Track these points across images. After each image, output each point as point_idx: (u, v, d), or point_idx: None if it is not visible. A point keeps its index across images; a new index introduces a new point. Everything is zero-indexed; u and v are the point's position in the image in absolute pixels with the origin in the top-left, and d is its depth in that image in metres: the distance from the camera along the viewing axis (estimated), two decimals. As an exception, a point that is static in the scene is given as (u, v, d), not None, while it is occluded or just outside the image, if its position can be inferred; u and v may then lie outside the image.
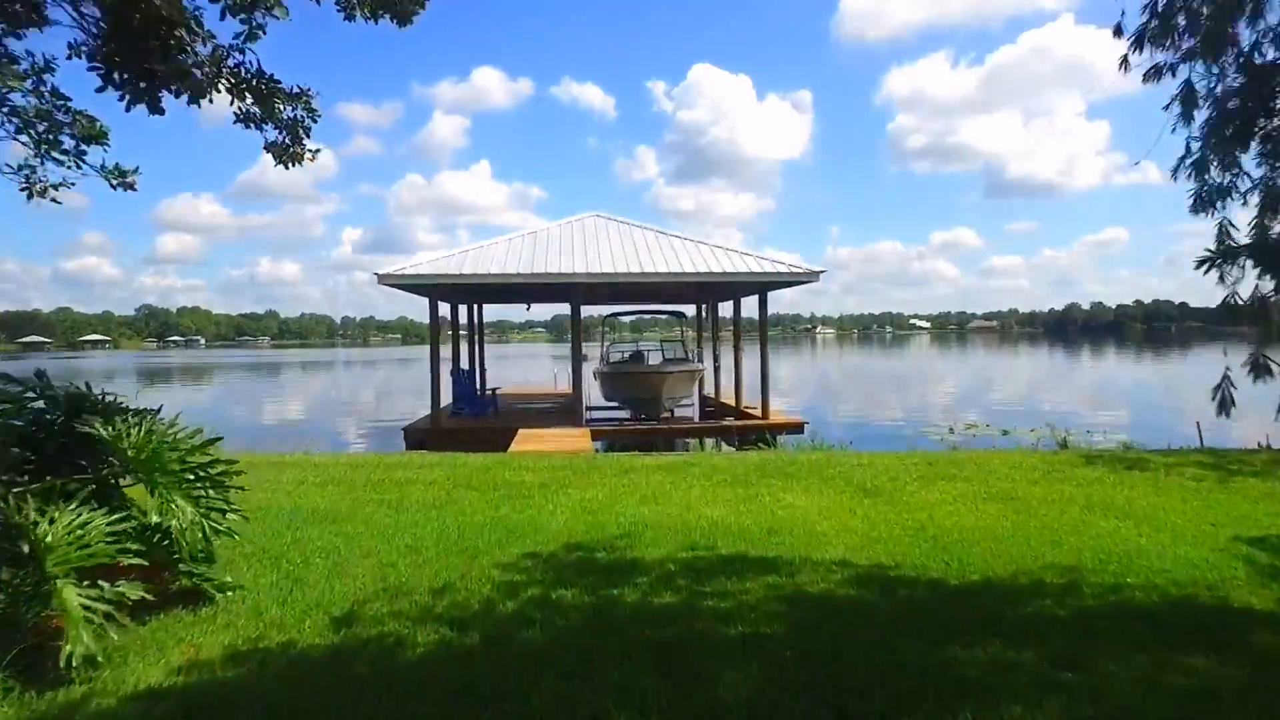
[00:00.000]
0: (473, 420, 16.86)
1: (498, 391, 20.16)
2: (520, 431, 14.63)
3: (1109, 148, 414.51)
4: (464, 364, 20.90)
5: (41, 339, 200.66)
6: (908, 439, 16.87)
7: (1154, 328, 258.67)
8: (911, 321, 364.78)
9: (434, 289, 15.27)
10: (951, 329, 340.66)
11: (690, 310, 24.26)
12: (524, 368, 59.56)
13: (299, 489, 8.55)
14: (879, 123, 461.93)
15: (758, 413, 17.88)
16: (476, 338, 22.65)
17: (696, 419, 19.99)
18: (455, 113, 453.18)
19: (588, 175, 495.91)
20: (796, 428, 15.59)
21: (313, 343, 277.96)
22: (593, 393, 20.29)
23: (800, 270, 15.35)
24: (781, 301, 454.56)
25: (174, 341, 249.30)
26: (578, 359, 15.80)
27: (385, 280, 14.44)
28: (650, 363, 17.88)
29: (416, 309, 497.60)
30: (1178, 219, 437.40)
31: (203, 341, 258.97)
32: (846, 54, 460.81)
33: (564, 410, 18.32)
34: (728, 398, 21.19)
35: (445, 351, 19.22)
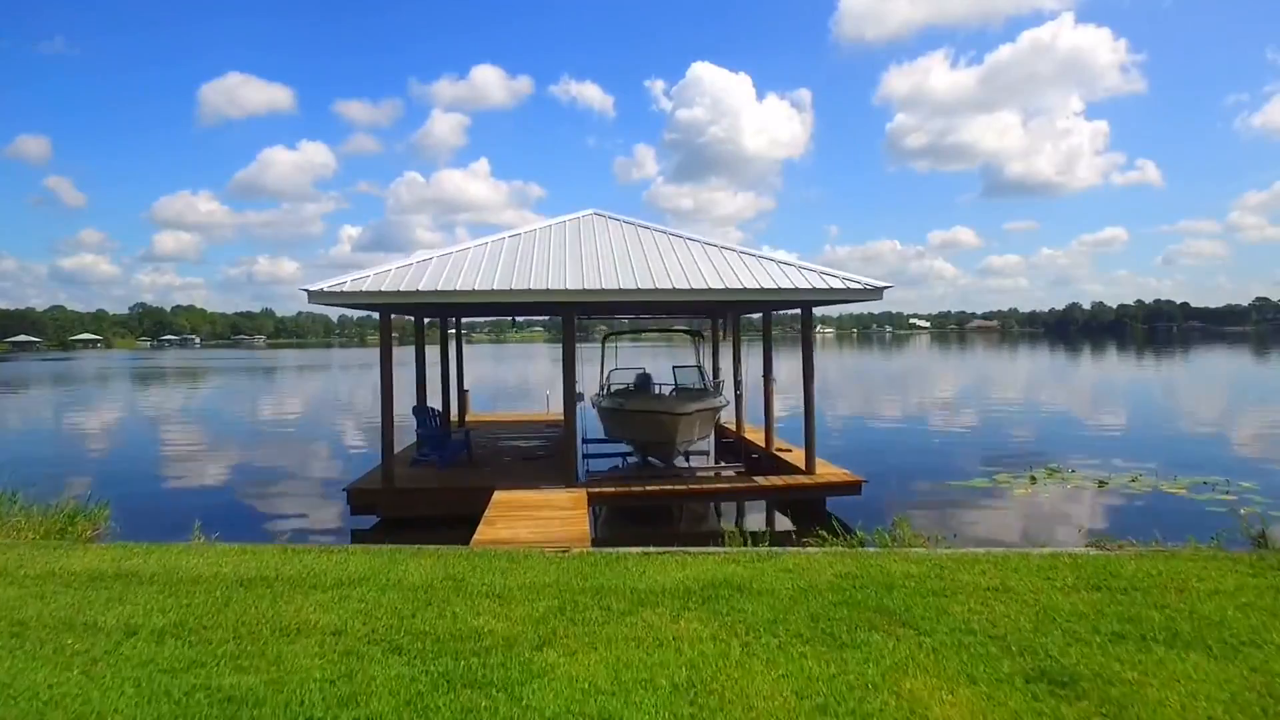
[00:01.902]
0: (440, 470, 13.46)
1: (473, 423, 16.76)
2: (496, 495, 11.25)
3: (1107, 147, 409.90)
4: (450, 377, 17.50)
5: (31, 338, 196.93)
6: (986, 495, 13.51)
7: (1156, 328, 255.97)
8: (911, 321, 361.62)
9: (387, 306, 11.84)
10: (952, 329, 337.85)
11: (701, 321, 20.87)
12: (518, 372, 55.98)
13: (83, 657, 5.12)
14: (878, 122, 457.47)
15: (792, 456, 14.51)
16: (453, 356, 19.20)
17: (713, 459, 16.61)
18: (455, 110, 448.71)
19: (587, 174, 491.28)
20: (851, 488, 12.18)
21: (309, 342, 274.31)
22: (592, 407, 16.98)
23: (857, 285, 11.90)
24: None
25: (168, 341, 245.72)
26: (571, 394, 12.37)
27: (318, 299, 11.04)
28: (661, 394, 14.48)
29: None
30: (1175, 218, 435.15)
31: (198, 341, 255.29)
32: (846, 53, 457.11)
33: (554, 451, 14.94)
34: (753, 433, 17.79)
35: (411, 370, 15.76)
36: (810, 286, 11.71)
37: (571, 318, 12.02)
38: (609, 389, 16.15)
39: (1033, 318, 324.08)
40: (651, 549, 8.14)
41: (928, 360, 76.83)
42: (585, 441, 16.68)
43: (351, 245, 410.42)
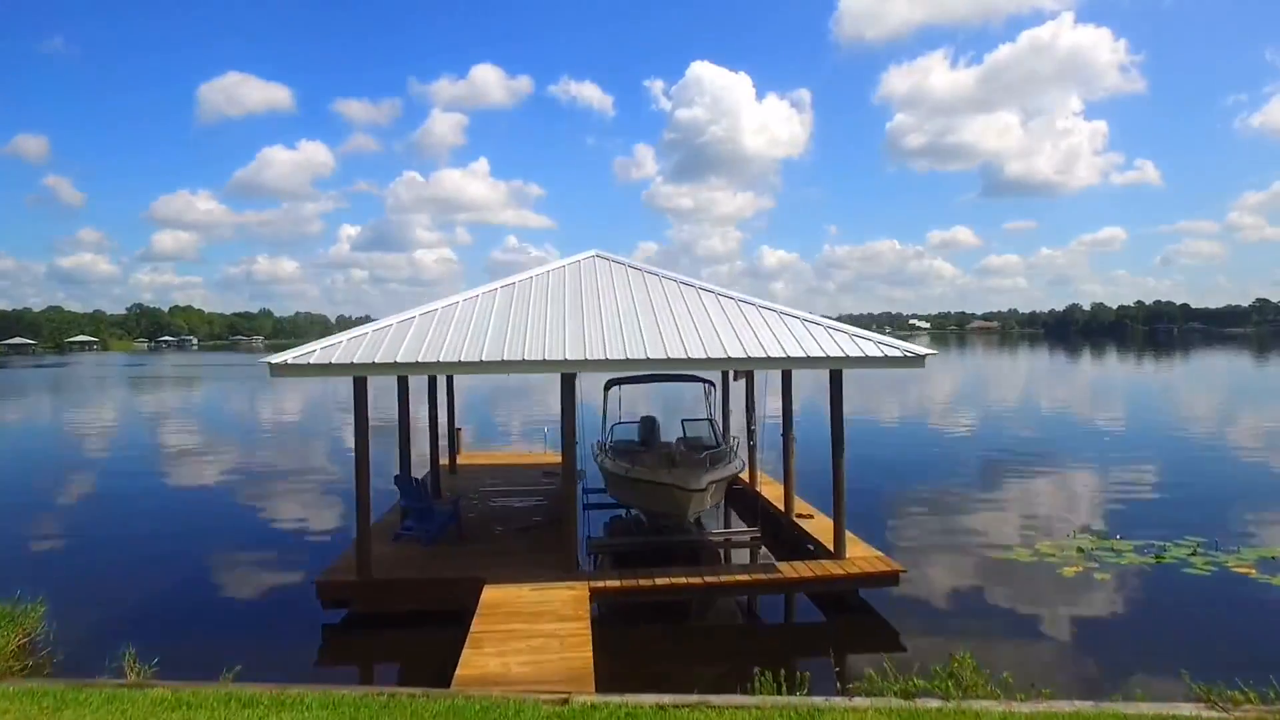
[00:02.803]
0: (424, 548, 12.07)
1: (465, 465, 15.39)
2: (486, 594, 9.87)
3: (1107, 147, 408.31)
4: (440, 422, 16.11)
5: (26, 341, 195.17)
6: (1032, 575, 12.13)
7: (1156, 329, 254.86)
8: (911, 322, 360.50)
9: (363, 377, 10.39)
10: (951, 330, 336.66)
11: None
12: (518, 377, 54.02)
13: None
14: (878, 122, 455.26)
15: (814, 525, 13.14)
16: (442, 398, 17.82)
17: (724, 519, 15.28)
18: (454, 110, 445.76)
19: (586, 173, 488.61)
20: (888, 578, 10.78)
21: (307, 343, 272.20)
22: (593, 457, 15.64)
23: (896, 353, 10.49)
24: (778, 301, 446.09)
25: (165, 342, 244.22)
26: (571, 466, 10.96)
27: (282, 372, 9.65)
28: (670, 450, 13.10)
29: (414, 309, 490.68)
30: (1174, 218, 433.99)
31: (195, 342, 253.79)
32: (845, 53, 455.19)
33: (552, 515, 13.57)
34: (767, 485, 16.42)
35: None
36: (841, 354, 10.32)
37: (572, 382, 10.62)
38: (612, 445, 14.79)
39: (1032, 319, 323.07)
40: (667, 699, 6.80)
41: (935, 363, 75.54)
42: (586, 491, 15.35)
43: (351, 244, 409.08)
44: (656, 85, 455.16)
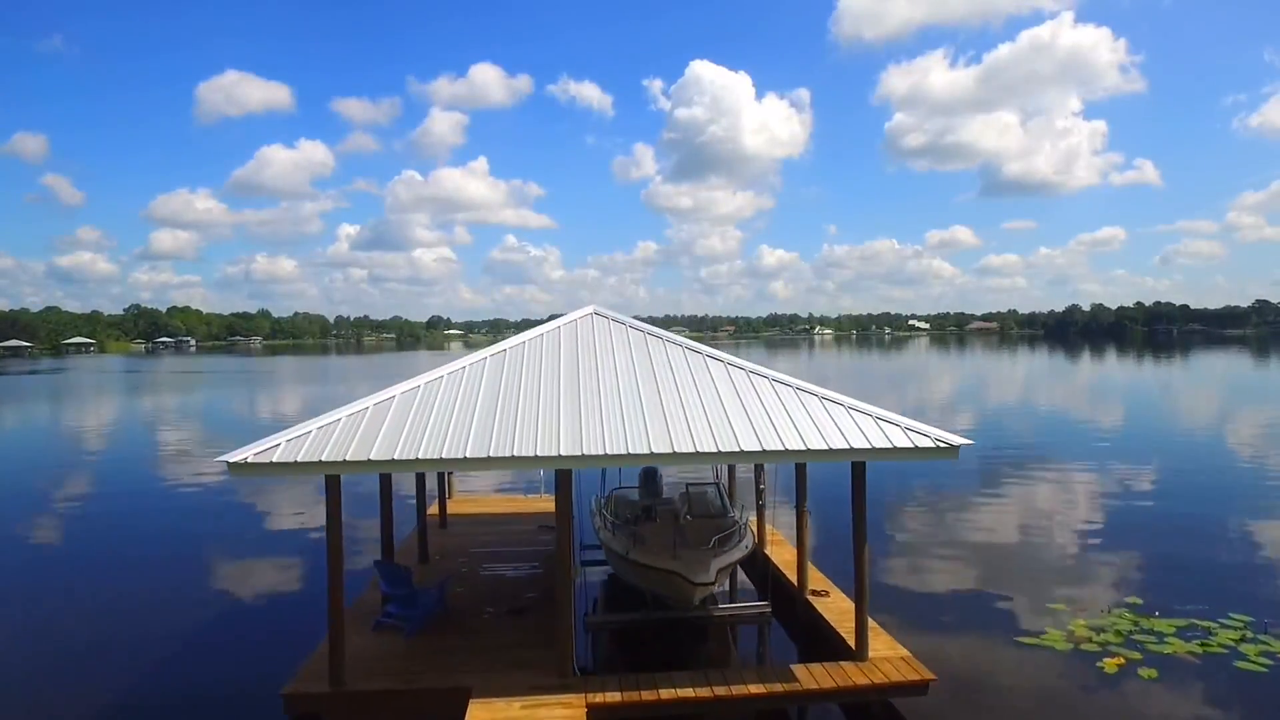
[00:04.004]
0: (406, 640, 11.05)
1: (455, 515, 14.39)
2: (472, 710, 8.87)
3: (1106, 147, 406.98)
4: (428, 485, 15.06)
5: (22, 343, 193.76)
6: (1069, 670, 11.10)
7: (1156, 330, 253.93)
8: (910, 322, 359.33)
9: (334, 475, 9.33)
10: (951, 330, 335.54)
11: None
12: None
13: None
14: (877, 121, 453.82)
15: (829, 607, 12.14)
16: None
17: (730, 592, 14.29)
18: (453, 109, 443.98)
19: (586, 173, 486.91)
20: (917, 688, 9.77)
21: (305, 344, 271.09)
22: (590, 516, 14.71)
23: (929, 442, 9.45)
24: (777, 300, 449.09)
25: (163, 343, 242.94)
26: (567, 572, 9.93)
27: (242, 472, 8.62)
28: (674, 531, 12.09)
29: (413, 309, 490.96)
30: (1173, 218, 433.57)
31: (193, 344, 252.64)
32: (845, 53, 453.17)
33: (548, 594, 12.54)
34: (777, 547, 15.44)
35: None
36: (866, 445, 9.28)
37: (568, 480, 9.60)
38: (610, 508, 13.79)
39: (1032, 319, 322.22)
40: None
41: (938, 364, 74.35)
42: (583, 547, 14.36)
43: (350, 244, 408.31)
44: (656, 85, 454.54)
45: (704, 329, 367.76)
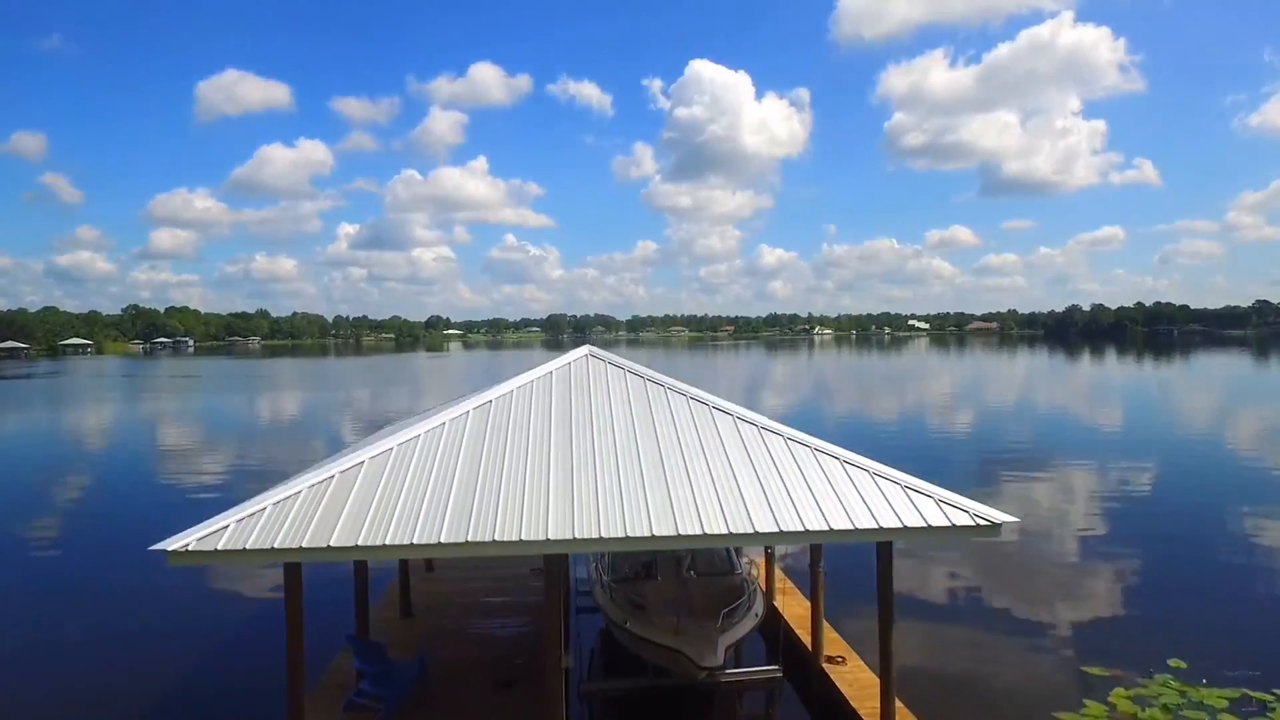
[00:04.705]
0: (384, 718, 9.96)
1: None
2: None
3: (1105, 146, 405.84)
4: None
5: (18, 345, 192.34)
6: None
7: (1156, 331, 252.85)
8: (910, 322, 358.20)
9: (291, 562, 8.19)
10: (950, 330, 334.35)
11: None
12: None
13: None
14: (876, 121, 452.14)
15: (848, 678, 11.05)
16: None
17: (736, 659, 13.18)
18: (453, 108, 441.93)
19: (585, 172, 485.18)
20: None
21: (304, 344, 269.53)
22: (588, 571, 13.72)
23: (967, 519, 8.35)
24: (776, 300, 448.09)
25: (161, 344, 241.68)
26: (556, 669, 8.81)
27: (182, 560, 7.52)
28: (678, 602, 11.01)
29: (412, 308, 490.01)
30: (1173, 218, 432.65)
31: (191, 344, 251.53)
32: (844, 52, 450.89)
33: (535, 666, 11.43)
34: (788, 600, 14.35)
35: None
36: (896, 524, 8.18)
37: (559, 567, 8.50)
38: (608, 568, 12.70)
39: (1032, 319, 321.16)
40: None
41: (940, 366, 73.09)
42: (578, 593, 13.36)
43: (349, 243, 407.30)
44: (655, 84, 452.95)
45: (703, 329, 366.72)
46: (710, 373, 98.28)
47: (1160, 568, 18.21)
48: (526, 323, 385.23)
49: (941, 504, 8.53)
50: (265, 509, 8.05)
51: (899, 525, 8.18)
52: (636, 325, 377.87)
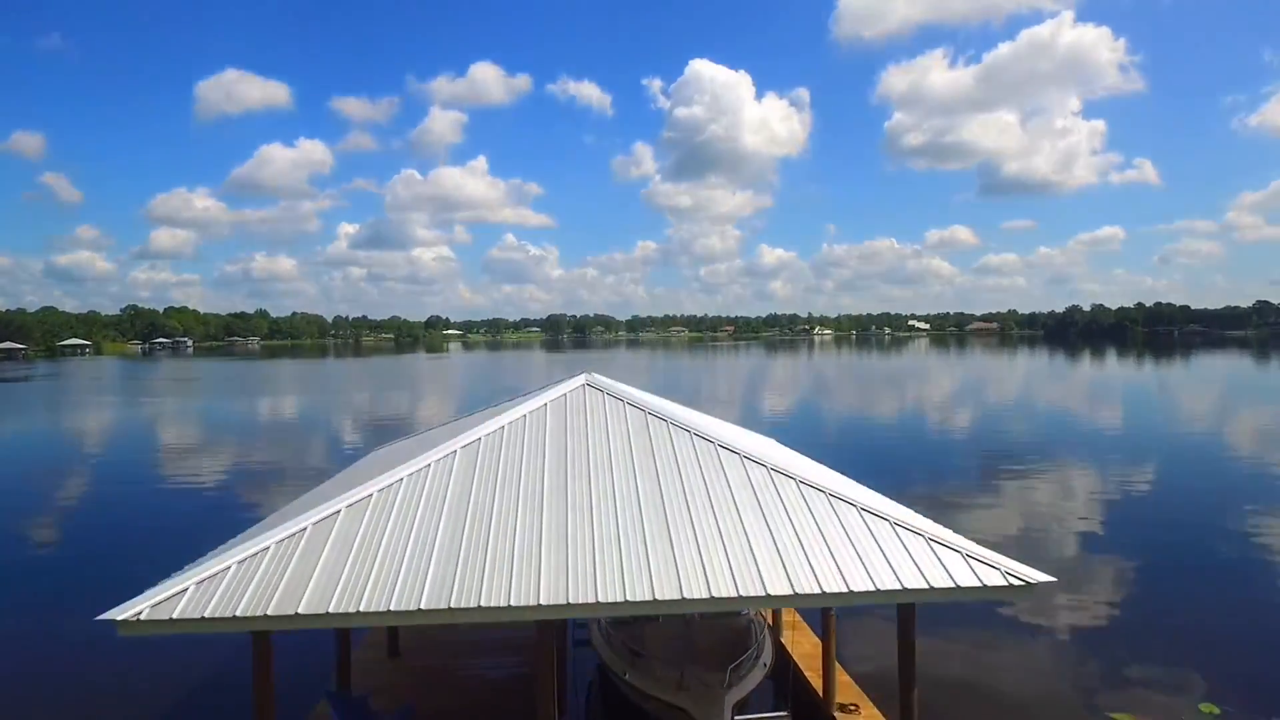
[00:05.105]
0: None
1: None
2: None
3: (1105, 146, 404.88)
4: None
5: (16, 345, 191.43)
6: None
7: (1157, 332, 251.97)
8: (910, 323, 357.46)
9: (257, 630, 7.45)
10: (951, 331, 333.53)
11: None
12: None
13: None
14: (876, 121, 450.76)
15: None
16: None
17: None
18: (452, 108, 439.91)
19: (585, 172, 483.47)
20: None
21: (303, 344, 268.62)
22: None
23: (998, 579, 7.61)
24: (776, 299, 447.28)
25: (160, 344, 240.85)
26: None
27: (132, 630, 6.80)
28: (681, 654, 10.29)
29: (412, 308, 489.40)
30: (1172, 218, 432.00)
31: (190, 345, 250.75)
32: (844, 52, 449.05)
33: (529, 707, 10.71)
34: (798, 639, 13.61)
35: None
36: (921, 583, 7.44)
37: (552, 635, 7.78)
38: (610, 638, 11.95)
39: (1032, 319, 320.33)
40: None
41: (942, 368, 72.32)
42: (576, 625, 12.65)
43: (349, 242, 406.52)
44: (655, 84, 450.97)
45: (703, 329, 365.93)
46: (710, 376, 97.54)
47: (1187, 601, 17.36)
48: (526, 323, 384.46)
49: (970, 559, 7.80)
50: (229, 568, 7.32)
51: (924, 585, 7.44)
52: (636, 325, 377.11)
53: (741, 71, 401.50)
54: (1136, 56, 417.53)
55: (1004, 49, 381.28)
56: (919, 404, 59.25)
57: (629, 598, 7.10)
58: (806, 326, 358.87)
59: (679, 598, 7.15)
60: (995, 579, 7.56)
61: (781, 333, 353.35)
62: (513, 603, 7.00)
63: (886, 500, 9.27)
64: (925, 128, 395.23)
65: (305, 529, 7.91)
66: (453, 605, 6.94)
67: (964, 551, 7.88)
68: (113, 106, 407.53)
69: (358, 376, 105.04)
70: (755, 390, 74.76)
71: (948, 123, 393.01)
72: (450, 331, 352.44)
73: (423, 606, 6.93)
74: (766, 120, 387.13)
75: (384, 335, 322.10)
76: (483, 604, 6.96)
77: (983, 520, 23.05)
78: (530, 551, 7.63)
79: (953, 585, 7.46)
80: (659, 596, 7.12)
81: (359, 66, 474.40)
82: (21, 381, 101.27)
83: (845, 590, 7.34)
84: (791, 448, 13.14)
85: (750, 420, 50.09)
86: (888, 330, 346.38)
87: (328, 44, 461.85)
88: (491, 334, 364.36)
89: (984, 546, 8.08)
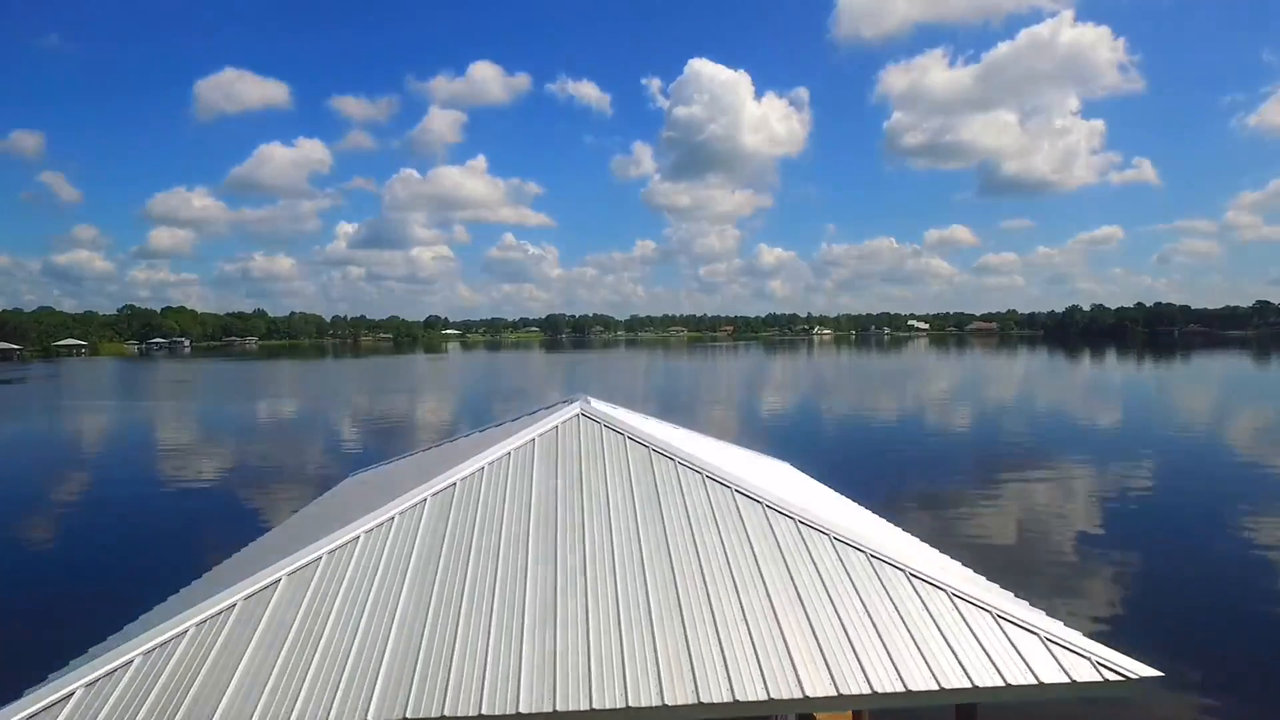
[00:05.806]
0: None
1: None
2: None
3: (1104, 146, 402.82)
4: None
5: (12, 346, 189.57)
6: None
7: (1157, 332, 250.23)
8: (910, 322, 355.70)
9: None
10: (950, 330, 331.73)
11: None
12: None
13: None
14: (876, 120, 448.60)
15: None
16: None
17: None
18: (451, 107, 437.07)
19: (585, 171, 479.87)
20: None
21: (301, 344, 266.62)
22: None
23: (1091, 673, 6.19)
24: (775, 299, 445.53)
25: (157, 344, 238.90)
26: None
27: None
28: None
29: (411, 307, 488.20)
30: (1172, 217, 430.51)
31: (187, 345, 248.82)
32: (844, 51, 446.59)
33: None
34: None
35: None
36: (999, 682, 5.96)
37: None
38: None
39: (1032, 319, 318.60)
40: None
41: (945, 370, 70.79)
42: None
43: (347, 242, 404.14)
44: (654, 83, 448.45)
45: (702, 328, 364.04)
46: (711, 378, 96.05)
47: (1211, 624, 15.99)
48: (525, 322, 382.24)
49: (1050, 643, 6.32)
50: (131, 661, 5.83)
51: (999, 683, 5.97)
52: (635, 325, 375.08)
53: (741, 71, 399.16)
54: (1136, 56, 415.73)
55: (1003, 48, 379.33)
56: (921, 404, 57.77)
57: (630, 703, 5.63)
58: (806, 326, 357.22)
59: (694, 702, 5.68)
60: (1085, 672, 6.09)
61: (781, 332, 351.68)
62: (484, 711, 5.53)
63: (936, 555, 7.82)
64: (924, 127, 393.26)
65: (235, 604, 6.44)
66: (409, 716, 5.48)
67: (1042, 634, 6.40)
68: (111, 106, 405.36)
69: (353, 379, 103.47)
70: (756, 391, 73.28)
71: (947, 122, 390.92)
72: (449, 331, 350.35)
73: (370, 718, 5.46)
74: (766, 120, 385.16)
75: (383, 335, 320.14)
76: (448, 714, 5.50)
77: (996, 526, 21.59)
78: (509, 639, 6.15)
79: (1034, 682, 5.99)
80: (669, 701, 5.65)
81: (358, 66, 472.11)
82: (9, 384, 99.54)
83: (902, 690, 5.87)
84: (795, 449, 11.65)
85: (752, 422, 48.71)
86: (887, 330, 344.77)
87: (326, 43, 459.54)
88: (490, 334, 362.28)
89: (1063, 625, 6.61)
